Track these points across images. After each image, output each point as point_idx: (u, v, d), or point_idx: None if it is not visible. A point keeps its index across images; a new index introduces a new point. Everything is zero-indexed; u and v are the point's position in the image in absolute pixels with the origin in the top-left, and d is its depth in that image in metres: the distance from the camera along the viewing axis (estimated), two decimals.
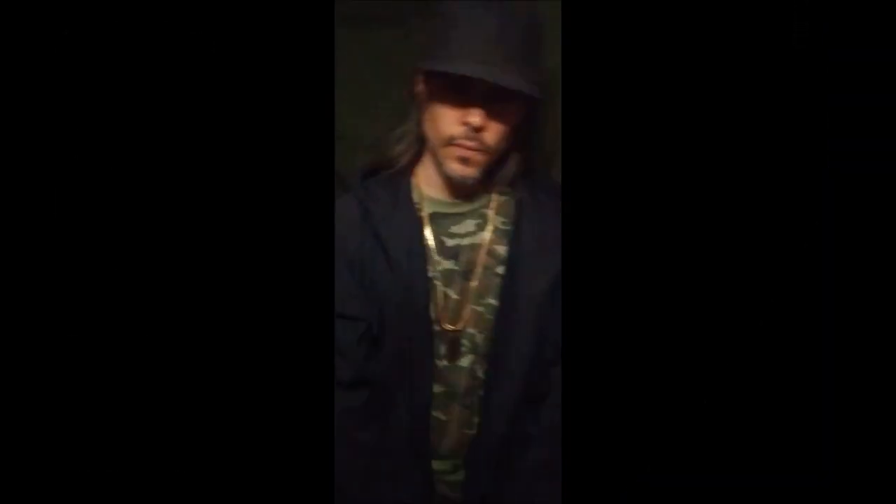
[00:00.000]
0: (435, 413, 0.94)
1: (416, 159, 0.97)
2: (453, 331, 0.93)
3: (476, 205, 0.97)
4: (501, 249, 0.95)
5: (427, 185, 0.97)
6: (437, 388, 0.94)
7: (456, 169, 0.90)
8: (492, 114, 0.88)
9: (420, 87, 0.92)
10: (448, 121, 0.89)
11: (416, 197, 0.97)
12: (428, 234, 0.95)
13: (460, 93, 0.87)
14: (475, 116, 0.86)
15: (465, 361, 0.94)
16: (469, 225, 0.96)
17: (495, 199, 0.97)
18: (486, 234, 0.96)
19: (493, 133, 0.89)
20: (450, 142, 0.89)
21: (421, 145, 0.96)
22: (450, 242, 0.95)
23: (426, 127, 0.93)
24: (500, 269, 0.94)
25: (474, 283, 0.94)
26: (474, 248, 0.95)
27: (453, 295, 0.94)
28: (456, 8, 0.87)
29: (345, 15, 1.09)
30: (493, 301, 0.94)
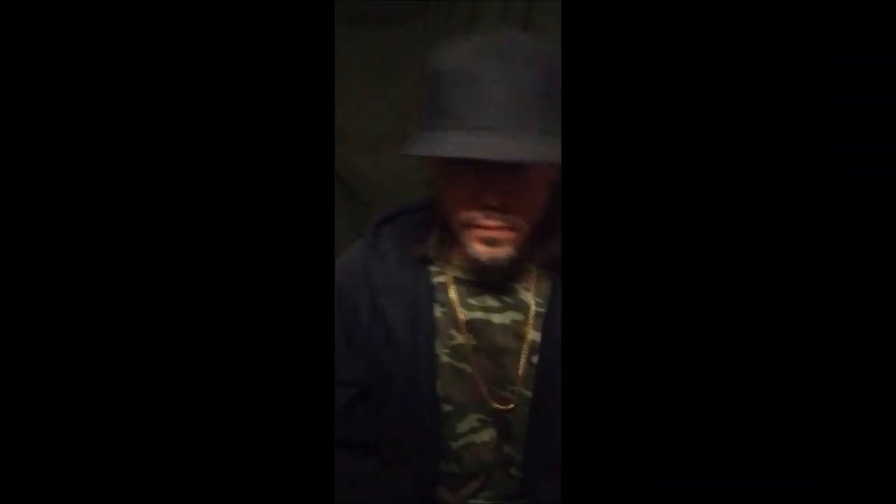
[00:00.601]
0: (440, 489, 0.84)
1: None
2: (500, 409, 0.81)
3: (506, 278, 0.83)
4: (531, 333, 0.82)
5: (456, 256, 0.83)
6: (453, 468, 0.84)
7: (482, 252, 0.76)
8: (513, 188, 0.73)
9: (428, 168, 0.79)
10: (461, 204, 0.75)
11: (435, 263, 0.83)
12: (443, 301, 0.82)
13: (466, 170, 0.73)
14: (491, 197, 0.73)
15: (501, 319, 0.82)
16: (495, 301, 0.83)
17: (534, 275, 0.83)
18: (516, 315, 0.82)
19: (520, 209, 0.75)
20: (468, 225, 0.75)
21: (444, 222, 0.81)
22: (467, 316, 0.82)
23: (443, 210, 0.79)
24: (535, 359, 0.81)
25: (498, 369, 0.82)
26: (502, 328, 0.82)
27: (470, 370, 0.82)
28: (449, 61, 0.72)
29: (345, 15, 1.09)
30: (526, 392, 0.81)
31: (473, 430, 0.83)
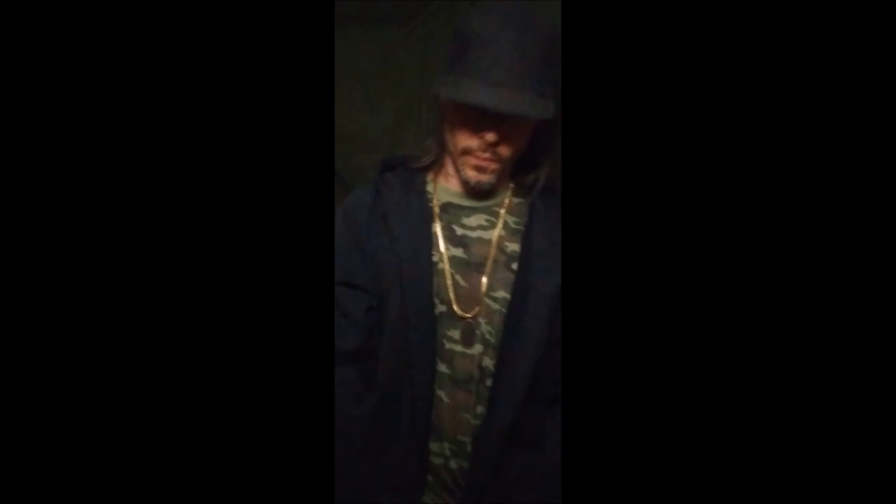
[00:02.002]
0: (438, 392, 0.96)
1: (436, 160, 1.02)
2: (467, 318, 0.96)
3: (489, 203, 1.01)
4: (513, 246, 0.99)
5: (444, 179, 1.02)
6: (442, 369, 0.96)
7: (471, 175, 0.96)
8: (507, 130, 0.93)
9: (438, 101, 0.96)
10: (464, 135, 0.94)
11: (430, 189, 1.02)
12: (437, 221, 0.99)
13: (475, 110, 0.90)
14: (490, 134, 0.92)
15: (475, 349, 0.96)
16: (480, 219, 1.00)
17: (508, 200, 1.01)
18: (497, 231, 0.99)
19: (509, 146, 0.94)
20: (466, 152, 0.95)
21: (442, 149, 1.01)
22: (459, 231, 0.99)
23: (446, 137, 0.98)
24: (514, 265, 0.97)
25: (485, 277, 0.97)
26: (484, 241, 0.99)
27: (462, 282, 0.97)
28: (472, 26, 0.90)
29: (345, 15, 1.09)
30: (505, 294, 0.96)
31: (456, 341, 0.97)
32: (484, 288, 0.96)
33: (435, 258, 0.97)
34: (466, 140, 0.94)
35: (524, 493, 0.95)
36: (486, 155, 0.94)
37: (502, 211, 1.01)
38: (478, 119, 0.91)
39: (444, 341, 0.96)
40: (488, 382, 0.95)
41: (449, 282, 0.96)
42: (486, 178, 0.96)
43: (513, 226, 1.00)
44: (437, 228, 0.99)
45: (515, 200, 1.02)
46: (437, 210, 1.00)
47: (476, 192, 1.00)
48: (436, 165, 1.02)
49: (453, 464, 0.96)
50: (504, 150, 0.94)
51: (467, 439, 0.95)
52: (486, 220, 1.00)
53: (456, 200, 1.01)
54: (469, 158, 0.95)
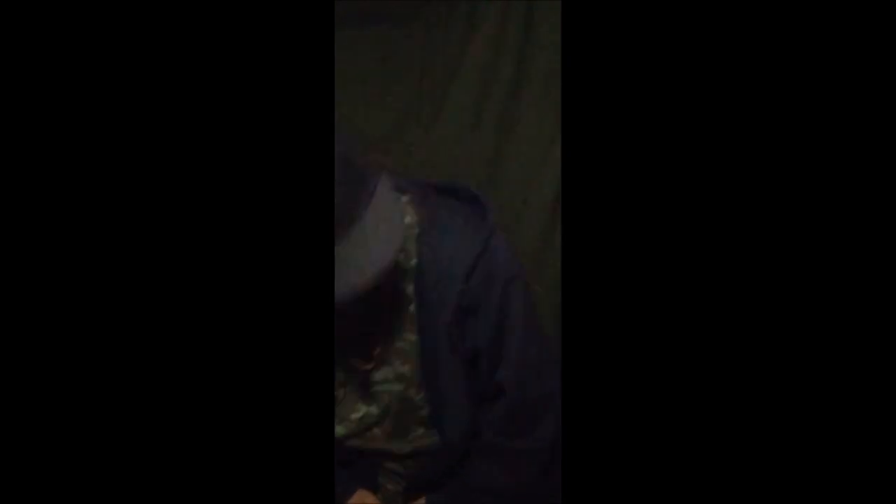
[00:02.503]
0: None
1: None
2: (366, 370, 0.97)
3: None
4: (409, 289, 0.96)
5: None
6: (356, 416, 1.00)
7: None
8: None
9: None
10: None
11: None
12: None
13: None
14: None
15: (388, 388, 0.98)
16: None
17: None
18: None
19: None
20: None
21: None
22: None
23: None
24: (412, 308, 0.96)
25: (392, 321, 0.96)
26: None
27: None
28: None
29: (345, 15, 1.09)
30: (412, 336, 0.96)
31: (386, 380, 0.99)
32: (395, 332, 0.97)
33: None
34: None
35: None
36: None
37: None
38: None
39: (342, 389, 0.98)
40: (422, 413, 0.98)
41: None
42: None
43: (404, 266, 0.95)
44: None
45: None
46: None
47: None
48: None
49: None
50: None
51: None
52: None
53: None
54: None
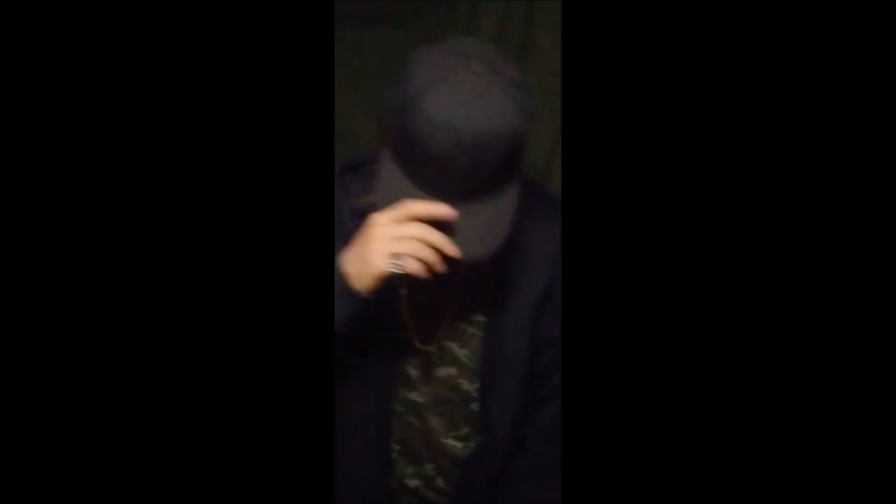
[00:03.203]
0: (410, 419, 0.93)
1: None
2: (426, 350, 0.91)
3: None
4: (484, 266, 0.88)
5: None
6: (411, 396, 0.92)
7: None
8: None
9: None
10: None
11: None
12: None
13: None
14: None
15: (441, 373, 0.92)
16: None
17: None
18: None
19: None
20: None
21: None
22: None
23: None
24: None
25: (455, 300, 0.90)
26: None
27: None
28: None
29: (345, 15, 1.09)
30: (480, 317, 0.91)
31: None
32: (454, 311, 0.90)
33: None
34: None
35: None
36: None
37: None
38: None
39: (407, 367, 0.91)
40: (473, 406, 0.92)
41: (407, 305, 0.89)
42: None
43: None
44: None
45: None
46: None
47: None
48: None
49: (439, 483, 0.94)
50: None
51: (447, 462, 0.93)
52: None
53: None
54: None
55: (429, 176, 0.75)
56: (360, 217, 0.81)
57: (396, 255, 0.75)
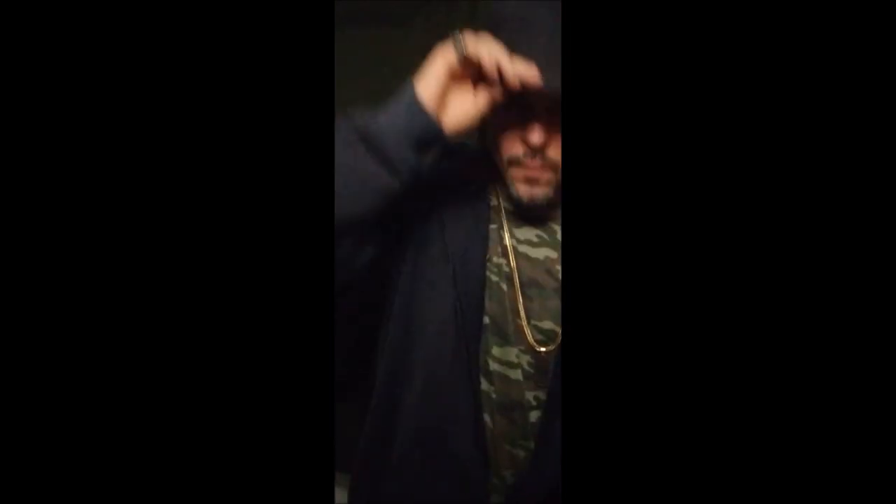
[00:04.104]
0: (483, 414, 0.86)
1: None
2: (537, 351, 0.85)
3: (548, 218, 0.88)
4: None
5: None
6: (486, 387, 0.86)
7: (523, 191, 0.83)
8: (554, 127, 0.80)
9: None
10: (508, 142, 0.82)
11: (490, 189, 0.89)
12: (492, 224, 0.87)
13: (517, 108, 0.80)
14: (534, 134, 0.79)
15: (516, 374, 0.86)
16: (530, 233, 0.88)
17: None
18: (548, 251, 0.87)
19: (558, 147, 0.81)
20: (512, 163, 0.82)
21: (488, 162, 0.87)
22: (507, 241, 0.87)
23: (490, 149, 0.86)
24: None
25: (528, 301, 0.86)
26: (529, 259, 0.87)
27: (504, 300, 0.86)
28: (506, 8, 0.80)
29: (345, 15, 1.09)
30: (553, 327, 0.85)
31: (509, 364, 0.86)
32: (525, 312, 0.85)
33: (487, 263, 0.85)
34: (511, 147, 0.81)
35: None
36: (536, 163, 0.81)
37: (559, 228, 0.87)
38: (520, 117, 0.80)
39: (488, 358, 0.86)
40: (533, 416, 0.85)
41: (489, 291, 0.85)
42: (540, 193, 0.82)
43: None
44: (490, 229, 0.87)
45: None
46: (492, 210, 0.87)
47: (531, 211, 0.86)
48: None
49: (493, 498, 0.86)
50: (555, 153, 0.81)
51: (509, 473, 0.85)
52: (537, 237, 0.88)
53: (510, 205, 0.88)
54: (517, 171, 0.82)
55: None
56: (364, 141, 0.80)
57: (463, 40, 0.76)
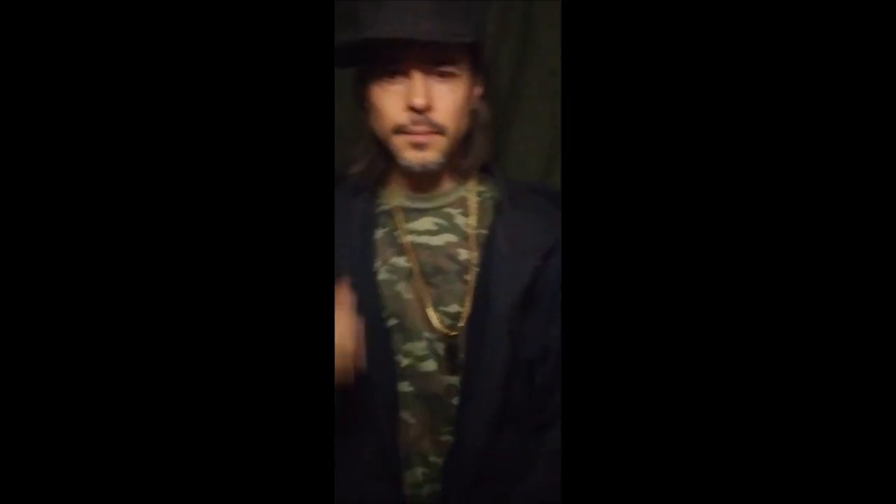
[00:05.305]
0: (403, 414, 0.87)
1: (385, 167, 0.91)
2: (449, 336, 0.87)
3: (440, 203, 0.91)
4: (467, 254, 0.89)
5: (395, 182, 0.91)
6: (404, 387, 0.88)
7: (411, 157, 0.84)
8: (435, 89, 0.82)
9: (357, 84, 0.87)
10: (390, 109, 0.83)
11: (380, 195, 0.92)
12: (379, 228, 0.90)
13: (395, 73, 0.82)
14: (417, 96, 0.81)
15: (430, 366, 0.88)
16: (428, 223, 0.90)
17: (470, 200, 0.91)
18: (446, 236, 0.90)
19: (444, 111, 0.83)
20: (398, 131, 0.84)
21: (377, 150, 0.89)
22: (404, 238, 0.89)
23: (374, 125, 0.87)
24: (466, 276, 0.88)
25: (431, 288, 0.88)
26: (431, 248, 0.89)
27: (405, 294, 0.88)
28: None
29: (345, 15, 1.08)
30: (458, 308, 0.88)
31: (421, 358, 0.88)
32: (431, 300, 0.87)
33: (378, 269, 0.88)
34: (394, 115, 0.83)
35: None
36: (422, 127, 0.82)
37: (456, 212, 0.90)
38: (400, 81, 0.81)
39: (401, 357, 0.87)
40: (455, 401, 0.87)
41: (388, 293, 0.87)
42: (430, 157, 0.84)
43: (467, 230, 0.89)
44: (379, 235, 0.89)
45: (475, 199, 0.91)
46: (381, 215, 0.90)
47: (427, 183, 0.89)
48: (387, 174, 0.91)
49: (426, 489, 0.88)
50: (440, 117, 0.83)
51: (439, 460, 0.87)
52: (435, 224, 0.90)
53: (406, 203, 0.91)
54: (403, 138, 0.84)
55: None
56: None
57: None
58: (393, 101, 0.83)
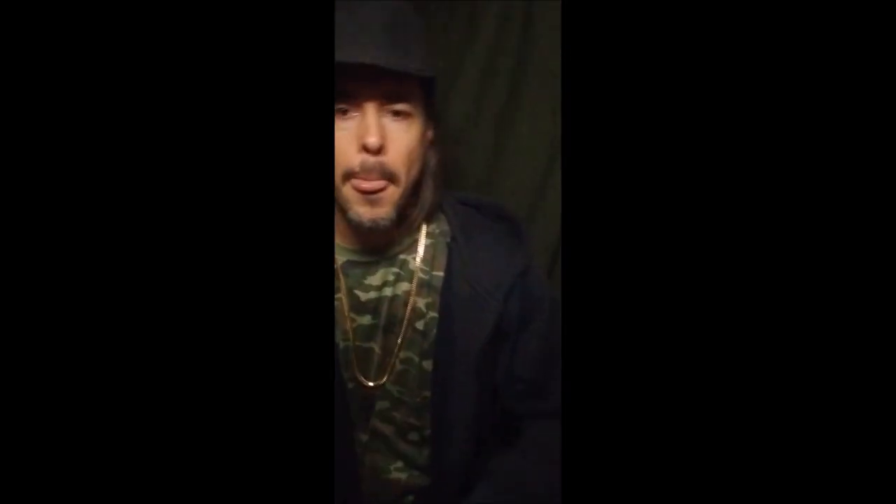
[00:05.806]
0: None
1: None
2: (370, 387, 0.87)
3: (394, 251, 0.87)
4: (421, 302, 0.87)
5: (339, 236, 0.86)
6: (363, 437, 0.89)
7: (362, 213, 0.78)
8: (389, 128, 0.77)
9: None
10: (340, 152, 0.77)
11: None
12: (339, 290, 0.86)
13: (346, 111, 0.77)
14: (371, 135, 0.75)
15: (378, 408, 0.89)
16: (386, 274, 0.87)
17: (420, 243, 0.88)
18: (406, 285, 0.87)
19: (396, 154, 0.78)
20: (348, 176, 0.78)
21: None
22: (364, 296, 0.86)
23: None
24: (420, 325, 0.87)
25: (399, 339, 0.87)
26: (393, 300, 0.87)
27: (377, 349, 0.87)
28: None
29: None
30: (412, 355, 0.87)
31: (381, 412, 0.88)
32: (396, 350, 0.86)
33: (341, 334, 0.85)
34: (344, 160, 0.77)
35: None
36: (374, 175, 0.76)
37: (411, 259, 0.87)
38: (353, 120, 0.77)
39: (370, 416, 0.87)
40: (411, 436, 0.89)
41: (353, 356, 0.86)
42: (381, 213, 0.78)
43: (423, 276, 0.86)
44: (341, 296, 0.85)
45: (427, 241, 0.87)
46: (337, 274, 0.85)
47: (375, 238, 0.84)
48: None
49: None
50: (392, 162, 0.77)
51: (424, 455, 0.89)
52: (393, 274, 0.87)
53: (355, 257, 0.86)
54: (353, 185, 0.77)
55: None
56: None
57: None
58: (344, 141, 0.77)
